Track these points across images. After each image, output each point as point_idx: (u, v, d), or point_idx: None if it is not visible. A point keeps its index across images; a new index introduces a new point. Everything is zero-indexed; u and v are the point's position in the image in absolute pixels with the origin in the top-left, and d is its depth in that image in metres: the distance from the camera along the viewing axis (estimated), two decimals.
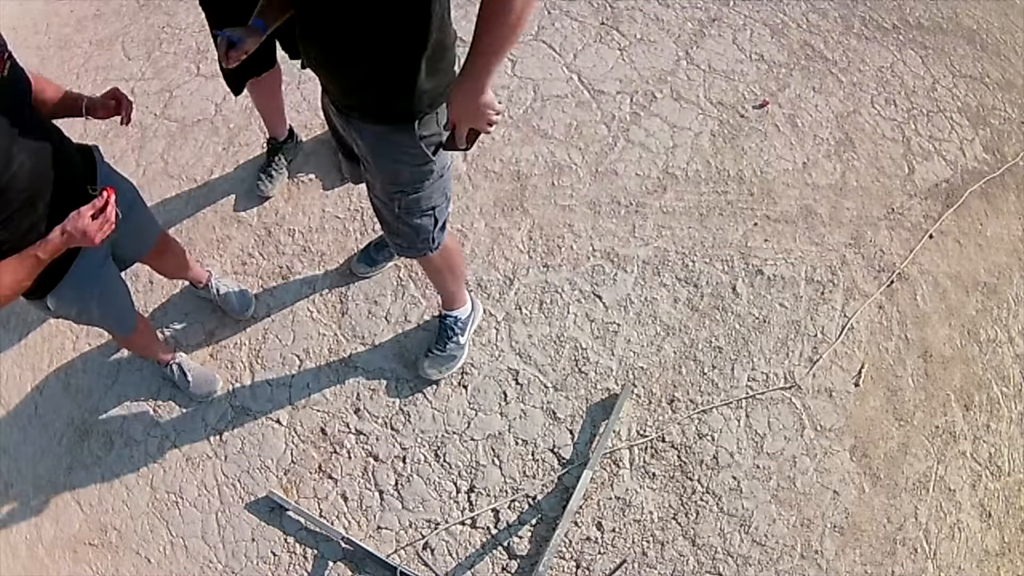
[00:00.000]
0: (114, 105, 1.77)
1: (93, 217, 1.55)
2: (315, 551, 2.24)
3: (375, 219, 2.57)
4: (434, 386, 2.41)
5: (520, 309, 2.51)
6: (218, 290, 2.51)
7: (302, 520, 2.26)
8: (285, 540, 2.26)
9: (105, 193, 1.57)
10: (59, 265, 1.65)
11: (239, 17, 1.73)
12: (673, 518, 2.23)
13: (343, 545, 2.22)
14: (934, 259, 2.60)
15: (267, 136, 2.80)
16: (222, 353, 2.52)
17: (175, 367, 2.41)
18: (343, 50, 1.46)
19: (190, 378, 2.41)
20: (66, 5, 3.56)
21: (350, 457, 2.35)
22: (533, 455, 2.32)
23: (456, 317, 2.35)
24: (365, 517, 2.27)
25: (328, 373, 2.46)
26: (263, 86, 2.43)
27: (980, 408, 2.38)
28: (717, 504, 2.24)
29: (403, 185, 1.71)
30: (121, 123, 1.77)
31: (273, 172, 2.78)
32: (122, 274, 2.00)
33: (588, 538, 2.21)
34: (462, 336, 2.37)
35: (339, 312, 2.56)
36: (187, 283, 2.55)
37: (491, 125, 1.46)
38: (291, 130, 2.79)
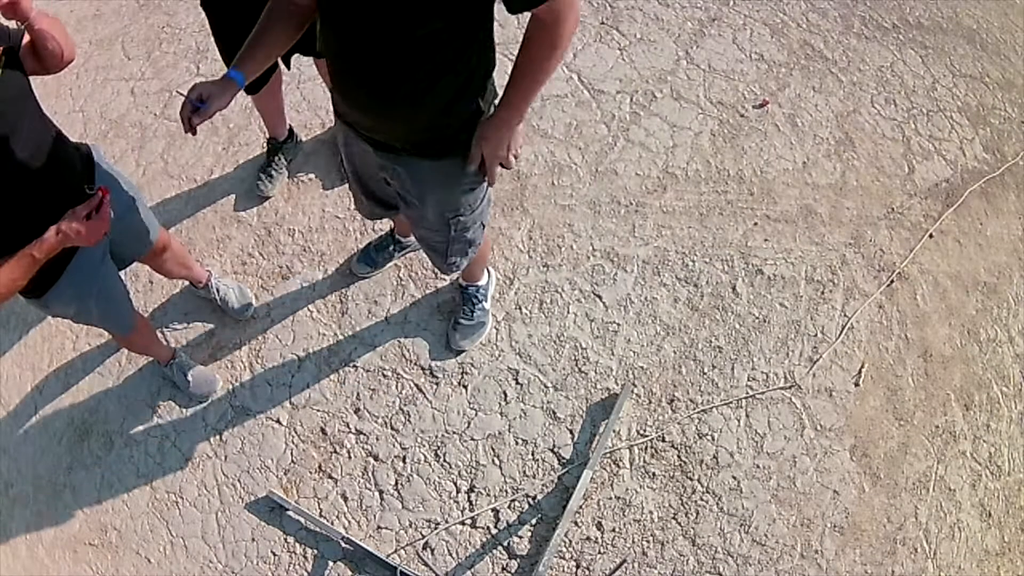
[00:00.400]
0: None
1: (88, 217, 1.54)
2: (315, 551, 2.24)
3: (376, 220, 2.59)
4: (434, 386, 2.42)
5: (520, 309, 2.51)
6: (218, 290, 2.51)
7: (302, 520, 2.26)
8: (285, 540, 2.26)
9: (100, 192, 1.56)
10: (56, 264, 1.65)
11: (242, 21, 1.71)
12: (673, 518, 2.23)
13: (343, 545, 2.22)
14: (934, 259, 2.60)
15: (267, 136, 2.79)
16: (222, 353, 2.52)
17: (175, 367, 2.41)
18: (402, 93, 1.38)
19: (190, 378, 2.40)
20: (66, 5, 3.56)
21: (350, 457, 2.35)
22: (533, 455, 2.32)
23: (479, 286, 2.40)
24: (365, 517, 2.27)
25: (328, 373, 2.46)
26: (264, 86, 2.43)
27: (980, 408, 2.38)
28: (717, 504, 2.24)
29: (459, 208, 1.70)
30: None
31: (273, 172, 2.77)
32: (121, 273, 2.00)
33: (588, 538, 2.21)
34: (486, 302, 2.43)
35: (339, 312, 2.55)
36: (187, 283, 2.55)
37: (516, 159, 1.45)
38: (291, 130, 2.79)
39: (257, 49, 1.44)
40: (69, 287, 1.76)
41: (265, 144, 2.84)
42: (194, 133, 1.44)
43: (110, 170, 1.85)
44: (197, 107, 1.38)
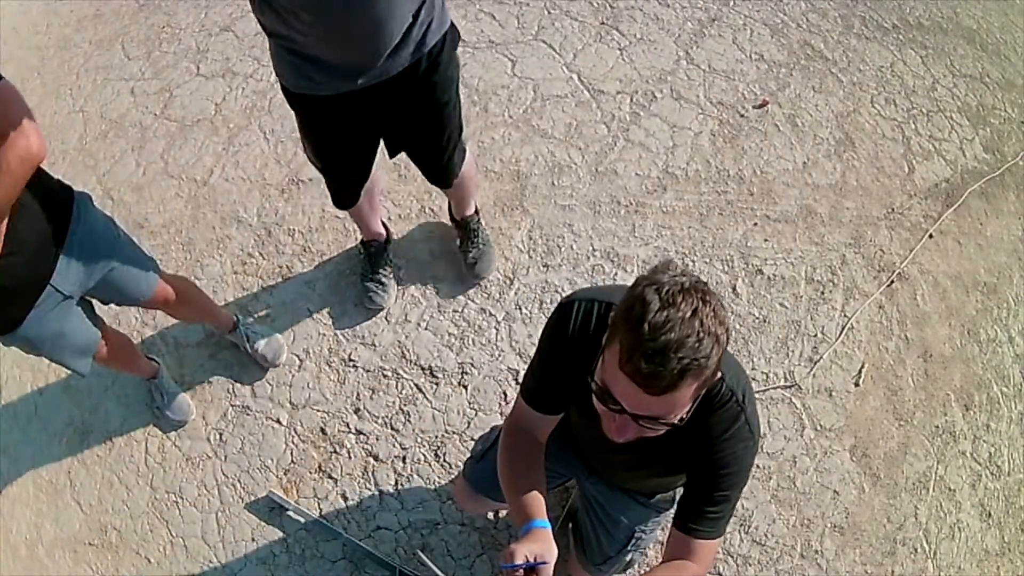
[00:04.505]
0: None
1: None
2: (315, 551, 2.24)
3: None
4: (434, 386, 2.42)
5: (520, 309, 2.51)
6: (247, 337, 2.40)
7: (302, 520, 2.26)
8: (285, 540, 2.26)
9: None
10: (12, 304, 1.66)
11: (333, 125, 1.79)
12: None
13: (343, 545, 2.22)
14: (934, 259, 2.60)
15: (361, 238, 2.53)
16: (222, 353, 2.52)
17: (154, 385, 2.38)
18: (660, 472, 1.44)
19: (166, 399, 2.38)
20: (66, 5, 3.56)
21: (350, 457, 2.35)
22: None
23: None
24: (365, 517, 2.27)
25: (328, 373, 2.46)
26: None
27: (980, 408, 2.38)
28: None
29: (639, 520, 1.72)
30: None
31: (383, 279, 2.51)
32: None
33: None
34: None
35: (339, 312, 2.55)
36: (188, 277, 2.54)
37: None
38: (385, 227, 2.56)
39: (542, 493, 1.35)
40: (18, 337, 1.75)
41: (361, 248, 2.56)
42: None
43: (93, 223, 1.76)
44: (534, 566, 1.18)
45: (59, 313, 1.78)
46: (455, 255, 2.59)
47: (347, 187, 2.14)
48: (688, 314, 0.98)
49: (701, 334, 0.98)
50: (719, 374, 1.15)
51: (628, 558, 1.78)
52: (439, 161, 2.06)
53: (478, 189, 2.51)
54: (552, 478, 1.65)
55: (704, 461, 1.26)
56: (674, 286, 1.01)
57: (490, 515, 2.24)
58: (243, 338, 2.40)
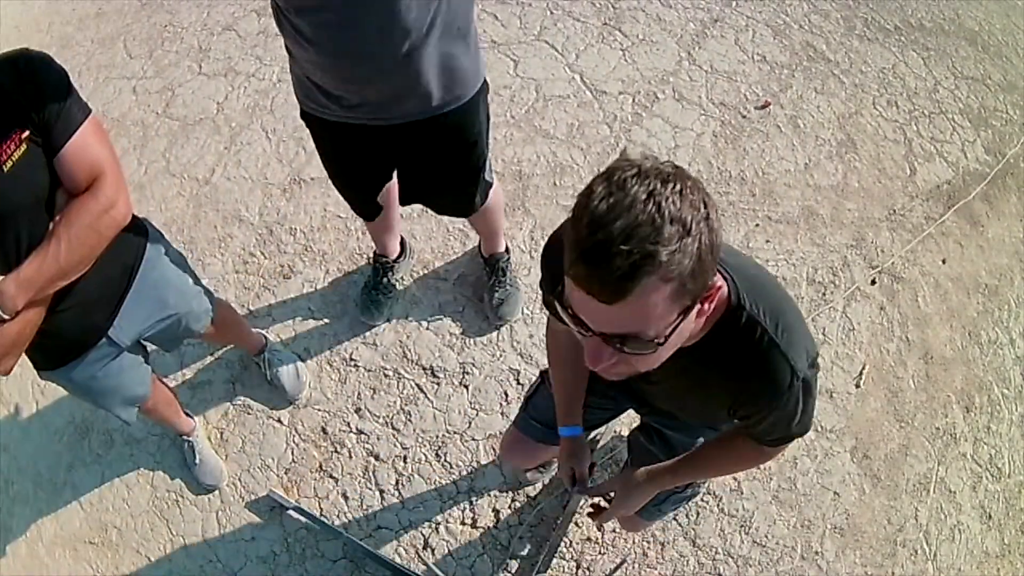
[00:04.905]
0: None
1: None
2: (315, 551, 2.24)
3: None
4: (435, 386, 2.42)
5: (522, 309, 2.51)
6: (269, 363, 2.32)
7: (302, 519, 2.26)
8: (285, 539, 2.26)
9: None
10: (63, 350, 1.54)
11: (347, 147, 1.75)
12: (673, 518, 2.23)
13: (343, 545, 2.22)
14: (935, 261, 2.60)
15: (374, 251, 2.47)
16: (223, 353, 2.52)
17: (186, 444, 2.31)
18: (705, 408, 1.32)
19: (198, 460, 2.30)
20: (68, 4, 3.56)
21: (351, 456, 2.35)
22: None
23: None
24: (365, 517, 2.27)
25: (329, 372, 2.46)
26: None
27: (981, 410, 2.38)
28: (717, 504, 2.24)
29: None
30: None
31: (382, 298, 2.46)
32: None
33: (588, 538, 2.21)
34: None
35: (341, 311, 2.55)
36: None
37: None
38: (403, 242, 2.48)
39: (579, 397, 1.44)
40: (62, 377, 1.62)
41: (372, 259, 2.50)
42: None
43: (165, 270, 1.62)
44: (588, 484, 1.46)
45: (113, 366, 1.62)
46: (457, 255, 2.59)
47: (362, 203, 2.07)
48: (642, 197, 0.76)
49: (658, 220, 0.75)
50: (730, 294, 1.01)
51: (689, 492, 1.67)
52: (459, 197, 1.97)
53: (503, 228, 2.37)
54: (604, 411, 1.64)
55: (743, 402, 1.12)
56: (628, 170, 0.79)
57: (491, 515, 2.24)
58: (266, 363, 2.33)
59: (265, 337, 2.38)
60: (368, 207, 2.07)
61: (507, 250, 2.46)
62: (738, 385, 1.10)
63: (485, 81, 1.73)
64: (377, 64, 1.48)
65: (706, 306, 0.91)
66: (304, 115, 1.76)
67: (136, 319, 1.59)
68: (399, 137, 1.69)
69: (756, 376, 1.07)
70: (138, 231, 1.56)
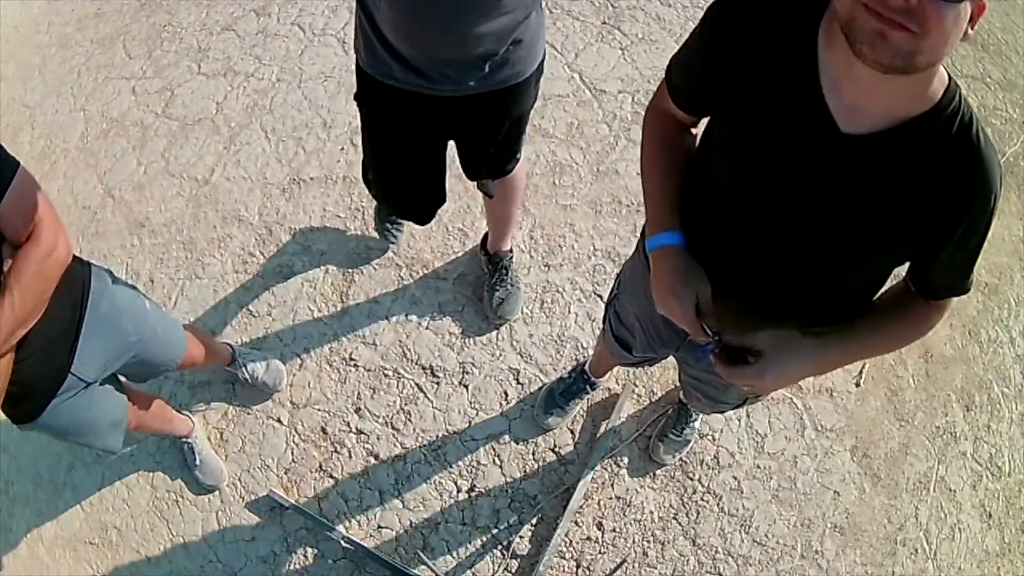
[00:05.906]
0: None
1: None
2: (315, 550, 2.24)
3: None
4: (435, 385, 2.42)
5: (521, 308, 2.51)
6: (245, 367, 2.32)
7: (302, 519, 2.26)
8: (285, 539, 2.26)
9: None
10: (35, 398, 1.55)
11: (397, 125, 1.72)
12: (674, 518, 2.23)
13: (343, 544, 2.22)
14: None
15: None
16: None
17: (186, 446, 2.31)
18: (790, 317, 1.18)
19: (199, 461, 2.30)
20: (67, 4, 3.56)
21: (351, 456, 2.35)
22: (533, 455, 2.32)
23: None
24: (365, 517, 2.27)
25: (329, 372, 2.46)
26: None
27: (981, 408, 2.38)
28: (718, 504, 2.24)
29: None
30: None
31: (401, 225, 2.58)
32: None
33: (588, 538, 2.21)
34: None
35: (340, 311, 2.55)
36: (189, 276, 2.54)
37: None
38: None
39: (676, 194, 1.22)
40: (43, 426, 1.61)
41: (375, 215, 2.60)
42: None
43: (115, 302, 1.63)
44: (721, 342, 1.14)
45: (82, 400, 1.64)
46: (457, 255, 2.59)
47: (412, 197, 2.04)
48: None
49: None
50: (949, 80, 0.94)
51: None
52: (500, 156, 1.94)
53: (517, 222, 2.38)
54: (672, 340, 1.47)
55: (943, 210, 1.03)
56: None
57: (491, 515, 2.23)
58: (242, 368, 2.32)
59: (231, 345, 2.36)
60: (415, 203, 2.06)
61: (511, 250, 2.46)
62: (946, 184, 0.99)
63: (544, 58, 1.72)
64: (449, 30, 1.47)
65: (971, 30, 0.84)
66: (361, 90, 1.72)
67: (96, 352, 1.60)
68: (455, 109, 1.67)
69: (970, 170, 0.98)
70: (79, 267, 1.59)
